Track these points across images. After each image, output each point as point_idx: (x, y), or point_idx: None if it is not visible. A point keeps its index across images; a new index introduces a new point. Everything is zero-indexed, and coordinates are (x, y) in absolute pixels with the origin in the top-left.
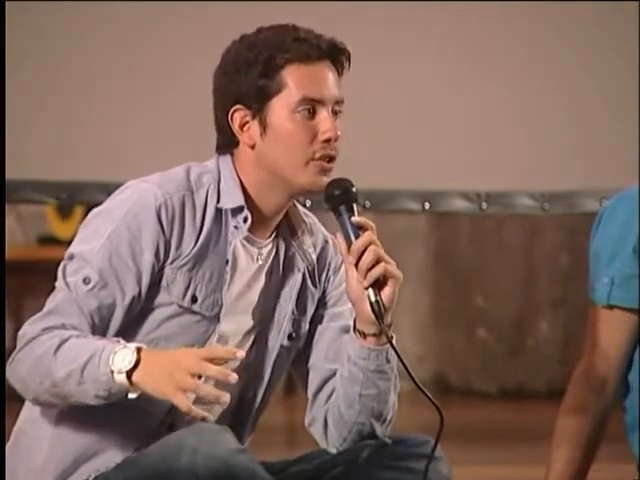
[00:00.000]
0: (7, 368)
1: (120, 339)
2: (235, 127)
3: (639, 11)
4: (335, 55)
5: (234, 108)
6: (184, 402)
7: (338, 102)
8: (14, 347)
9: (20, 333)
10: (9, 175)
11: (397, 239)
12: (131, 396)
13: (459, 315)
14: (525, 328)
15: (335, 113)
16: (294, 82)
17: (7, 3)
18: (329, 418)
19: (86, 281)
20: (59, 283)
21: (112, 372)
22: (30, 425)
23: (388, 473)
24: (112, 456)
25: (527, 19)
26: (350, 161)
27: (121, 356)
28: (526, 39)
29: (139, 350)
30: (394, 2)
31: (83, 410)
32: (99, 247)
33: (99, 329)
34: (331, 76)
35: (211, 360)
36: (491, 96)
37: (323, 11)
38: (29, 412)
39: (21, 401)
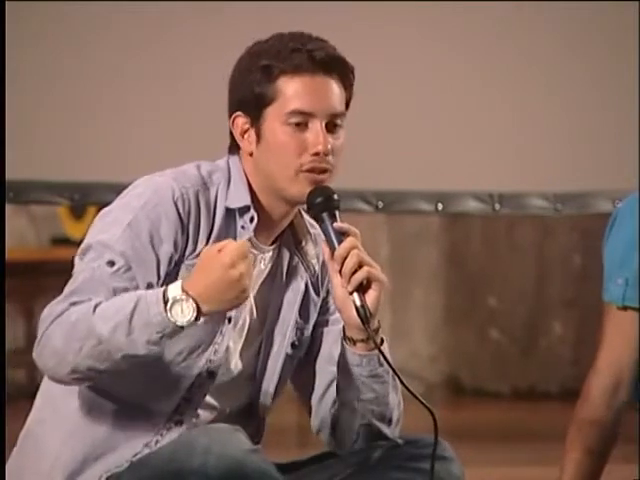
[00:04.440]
0: (35, 350)
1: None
2: (236, 134)
3: (639, 11)
4: (333, 68)
5: (235, 114)
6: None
7: (336, 115)
8: (25, 347)
9: (43, 315)
10: (21, 176)
11: (409, 240)
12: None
13: (471, 316)
14: (537, 329)
15: (334, 125)
16: (287, 93)
17: (7, 3)
18: (335, 423)
19: (110, 264)
20: (79, 267)
21: (176, 323)
22: (38, 427)
23: (399, 474)
24: (121, 454)
25: (529, 19)
26: (363, 162)
27: (178, 309)
28: (531, 40)
29: (187, 292)
30: (410, 3)
31: (91, 409)
32: (120, 234)
33: None
34: (328, 89)
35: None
36: (504, 97)
37: (324, 12)
38: (37, 414)
39: (24, 400)
